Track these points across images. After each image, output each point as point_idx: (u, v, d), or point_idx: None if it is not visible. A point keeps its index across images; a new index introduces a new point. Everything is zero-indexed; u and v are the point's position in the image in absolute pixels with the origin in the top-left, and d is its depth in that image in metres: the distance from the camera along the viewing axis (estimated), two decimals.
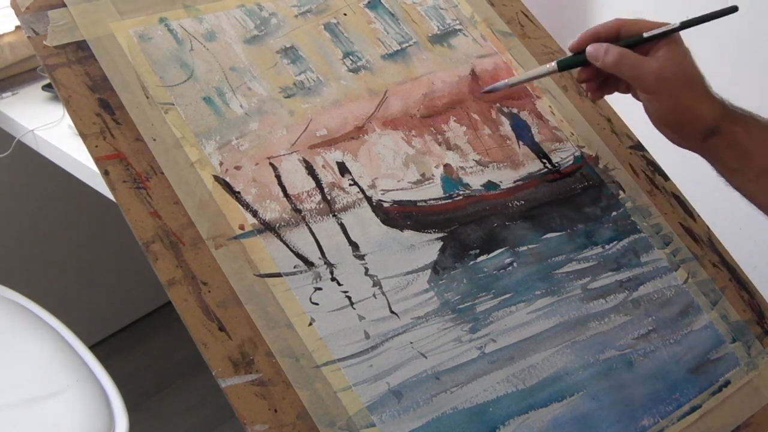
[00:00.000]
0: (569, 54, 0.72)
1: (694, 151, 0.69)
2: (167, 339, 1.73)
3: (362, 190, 0.67)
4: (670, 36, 0.66)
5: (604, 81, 0.73)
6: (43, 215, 1.54)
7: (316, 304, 0.60)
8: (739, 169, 0.68)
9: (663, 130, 0.70)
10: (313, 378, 0.56)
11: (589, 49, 0.68)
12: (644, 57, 0.66)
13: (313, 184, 0.66)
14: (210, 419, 1.58)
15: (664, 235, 0.77)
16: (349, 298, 0.61)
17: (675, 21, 0.66)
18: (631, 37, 0.67)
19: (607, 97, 0.87)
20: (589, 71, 0.71)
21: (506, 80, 0.77)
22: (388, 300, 0.62)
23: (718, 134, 0.67)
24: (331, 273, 0.62)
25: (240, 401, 0.54)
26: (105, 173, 0.60)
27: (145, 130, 0.63)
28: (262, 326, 0.57)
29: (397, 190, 0.68)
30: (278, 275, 0.60)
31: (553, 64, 0.72)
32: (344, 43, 0.76)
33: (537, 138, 0.79)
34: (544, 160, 0.77)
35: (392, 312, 0.62)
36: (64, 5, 0.67)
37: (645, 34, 0.66)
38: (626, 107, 0.80)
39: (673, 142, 0.70)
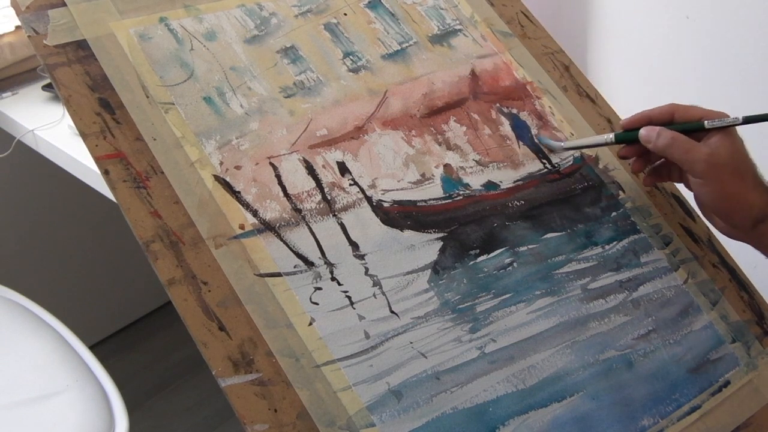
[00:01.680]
0: (620, 129, 0.73)
1: (743, 241, 0.70)
2: (167, 339, 1.73)
3: (362, 190, 0.67)
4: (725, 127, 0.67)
5: (658, 168, 0.74)
6: (43, 215, 1.54)
7: (316, 303, 0.60)
8: None
9: (712, 219, 0.71)
10: (313, 378, 0.56)
11: (642, 131, 0.69)
12: (694, 142, 0.67)
13: (313, 184, 0.66)
14: (210, 419, 1.58)
15: (664, 236, 0.77)
16: (349, 297, 0.61)
17: (737, 116, 0.67)
18: (690, 123, 0.68)
19: (607, 98, 0.88)
20: (635, 150, 0.73)
21: (562, 143, 0.78)
22: (388, 300, 0.62)
23: (765, 222, 0.67)
24: (331, 273, 0.62)
25: (240, 401, 0.54)
26: (105, 173, 0.60)
27: (145, 130, 0.63)
28: (262, 326, 0.57)
29: (397, 190, 0.68)
30: (278, 275, 0.60)
31: (611, 136, 0.73)
32: (344, 43, 0.76)
33: (537, 138, 0.79)
34: (544, 161, 0.77)
35: (392, 312, 0.62)
36: (65, 5, 0.67)
37: (707, 124, 0.67)
38: (626, 107, 0.80)
39: (722, 231, 0.71)
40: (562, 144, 0.78)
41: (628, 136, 0.72)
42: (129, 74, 0.65)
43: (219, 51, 0.70)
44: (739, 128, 0.68)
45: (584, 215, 0.75)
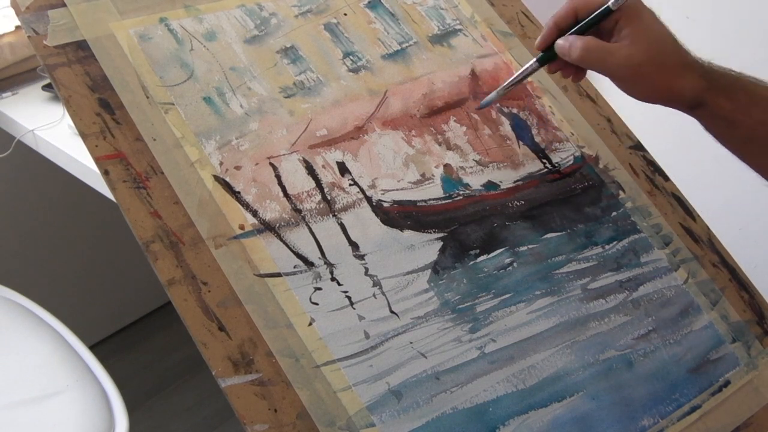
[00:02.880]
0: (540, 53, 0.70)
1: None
2: (167, 339, 1.73)
3: (362, 190, 0.67)
4: (632, 6, 0.63)
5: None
6: (43, 215, 1.54)
7: (316, 304, 0.60)
8: (726, 135, 0.67)
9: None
10: (313, 378, 0.56)
11: (557, 45, 0.66)
12: (610, 46, 0.64)
13: (313, 184, 0.66)
14: (210, 419, 1.58)
15: (664, 235, 0.77)
16: (349, 298, 0.61)
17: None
18: (587, 19, 0.65)
19: (607, 97, 0.88)
20: (560, 63, 0.69)
21: (494, 92, 0.75)
22: (388, 300, 0.62)
23: (701, 106, 0.65)
24: (331, 273, 0.62)
25: (240, 401, 0.54)
26: (105, 173, 0.60)
27: (145, 130, 0.63)
28: (262, 326, 0.57)
29: (397, 190, 0.68)
30: (278, 275, 0.60)
31: (534, 62, 0.70)
32: (344, 43, 0.76)
33: (537, 138, 0.79)
34: (544, 160, 0.77)
35: (392, 312, 0.62)
36: (64, 5, 0.67)
37: (612, 5, 0.63)
38: (626, 107, 0.80)
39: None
40: (495, 92, 0.74)
41: (548, 56, 0.69)
42: (129, 74, 0.65)
43: (219, 51, 0.70)
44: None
45: (584, 215, 0.75)
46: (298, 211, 0.64)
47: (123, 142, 0.61)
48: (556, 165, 0.78)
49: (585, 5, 0.66)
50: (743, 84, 0.66)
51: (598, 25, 0.65)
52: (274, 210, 0.63)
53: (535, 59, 0.70)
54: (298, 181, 0.65)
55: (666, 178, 0.83)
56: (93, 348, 1.03)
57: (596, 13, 0.65)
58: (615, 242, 0.74)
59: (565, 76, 0.71)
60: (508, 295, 0.66)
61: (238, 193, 0.62)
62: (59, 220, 1.57)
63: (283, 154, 0.66)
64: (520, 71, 0.73)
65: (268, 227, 0.62)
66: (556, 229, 0.73)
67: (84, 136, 0.61)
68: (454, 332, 0.63)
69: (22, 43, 1.16)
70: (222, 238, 0.60)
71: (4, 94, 1.14)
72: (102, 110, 0.62)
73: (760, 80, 0.67)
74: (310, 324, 0.59)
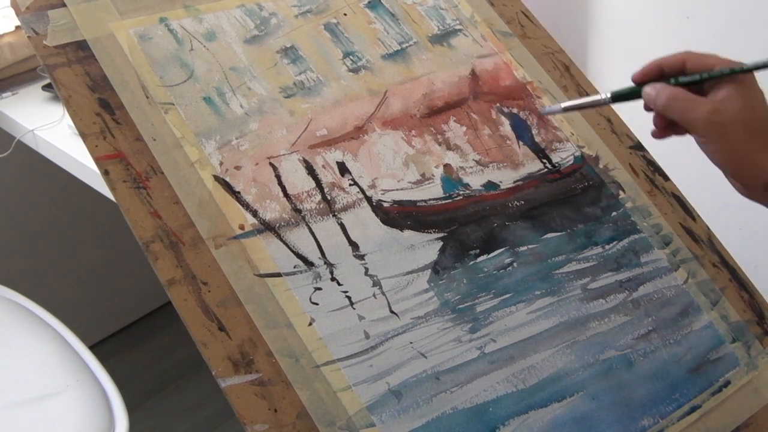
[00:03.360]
0: (631, 84, 0.65)
1: (754, 200, 0.62)
2: (167, 339, 1.73)
3: (362, 190, 0.67)
4: (740, 75, 0.59)
5: (672, 122, 0.63)
6: (43, 215, 1.54)
7: (316, 304, 0.60)
8: None
9: (726, 177, 0.62)
10: (313, 378, 0.56)
11: (646, 89, 0.62)
12: (697, 98, 0.59)
13: (313, 184, 0.66)
14: (210, 419, 1.58)
15: (664, 235, 0.77)
16: (349, 298, 0.61)
17: (748, 60, 0.59)
18: (692, 75, 0.60)
19: None
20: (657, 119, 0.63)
21: (560, 105, 0.68)
22: (388, 300, 0.62)
23: None
24: (331, 273, 0.62)
25: (240, 401, 0.54)
26: (105, 173, 0.60)
27: (145, 130, 0.63)
28: (262, 326, 0.57)
29: (397, 190, 0.68)
30: (278, 275, 0.60)
31: (607, 95, 0.65)
32: (344, 43, 0.76)
33: (537, 138, 0.79)
34: (544, 160, 0.77)
35: (392, 312, 0.62)
36: (64, 5, 0.67)
37: (702, 75, 0.59)
38: (626, 107, 0.80)
39: (734, 187, 0.62)
40: (561, 105, 0.68)
41: (626, 93, 0.64)
42: (129, 74, 0.65)
43: (219, 51, 0.70)
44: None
45: (584, 215, 0.75)
46: (298, 211, 0.64)
47: (123, 142, 0.61)
48: (556, 165, 0.78)
49: (697, 60, 0.61)
50: None
51: (700, 85, 0.61)
52: (274, 210, 0.63)
53: (609, 92, 0.65)
54: (298, 181, 0.65)
55: (666, 178, 0.83)
56: (93, 348, 1.03)
57: (714, 72, 0.60)
58: (615, 242, 0.74)
59: (655, 136, 0.65)
60: (508, 295, 0.66)
61: (238, 193, 0.62)
62: (59, 220, 1.57)
63: (283, 154, 0.66)
64: (591, 98, 0.66)
65: (268, 227, 0.62)
66: (556, 229, 0.73)
67: (84, 136, 0.61)
68: (454, 332, 0.63)
69: (22, 43, 1.16)
70: (222, 238, 0.60)
71: (4, 94, 1.14)
72: (102, 110, 0.62)
73: None
74: (310, 324, 0.59)
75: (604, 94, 0.65)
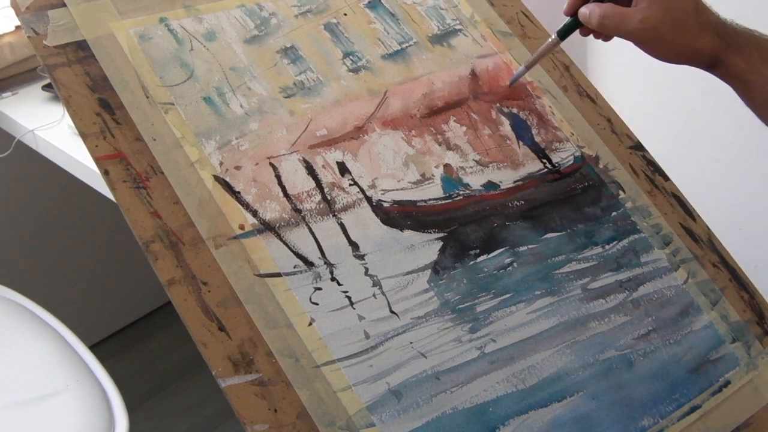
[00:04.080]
0: (567, 19, 0.71)
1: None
2: (167, 339, 1.73)
3: (362, 190, 0.67)
4: None
5: None
6: (43, 215, 1.54)
7: (316, 304, 0.60)
8: (742, 95, 0.68)
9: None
10: (313, 378, 0.56)
11: (582, 9, 0.68)
12: (626, 10, 0.65)
13: (313, 184, 0.66)
14: (210, 419, 1.58)
15: (664, 235, 0.77)
16: (349, 298, 0.61)
17: None
18: None
19: (607, 97, 0.88)
20: (587, 30, 0.71)
21: (520, 68, 0.78)
22: (388, 300, 0.62)
23: (719, 66, 0.66)
24: (331, 273, 0.62)
25: (240, 401, 0.54)
26: (105, 173, 0.60)
27: (145, 130, 0.63)
28: (262, 326, 0.57)
29: (397, 190, 0.68)
30: (278, 275, 0.60)
31: (554, 36, 0.72)
32: (344, 43, 0.76)
33: (537, 138, 0.79)
34: (544, 160, 0.77)
35: (392, 312, 0.62)
36: (64, 5, 0.67)
37: None
38: (627, 107, 0.80)
39: None
40: (522, 66, 0.78)
41: (569, 27, 0.71)
42: (129, 75, 0.65)
43: (219, 51, 0.70)
44: None
45: (584, 215, 0.75)
46: (298, 211, 0.64)
47: (123, 142, 0.61)
48: (556, 165, 0.78)
49: None
50: (760, 44, 0.67)
51: None
52: (274, 210, 0.63)
53: (555, 33, 0.72)
54: (298, 181, 0.65)
55: (666, 178, 0.83)
56: (93, 348, 1.03)
57: None
58: (615, 242, 0.74)
59: (596, 38, 0.72)
60: (508, 295, 0.66)
61: (238, 193, 0.62)
62: (59, 220, 1.57)
63: (283, 154, 0.66)
64: (542, 47, 0.75)
65: (268, 227, 0.62)
66: (556, 229, 0.73)
67: (84, 136, 0.61)
68: (454, 332, 0.63)
69: (22, 43, 1.16)
70: (222, 238, 0.60)
71: (4, 94, 1.14)
72: (102, 110, 0.62)
73: None
74: (310, 324, 0.59)
75: (552, 36, 0.73)
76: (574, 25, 0.71)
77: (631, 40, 0.67)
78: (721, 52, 0.66)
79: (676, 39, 0.65)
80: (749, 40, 0.67)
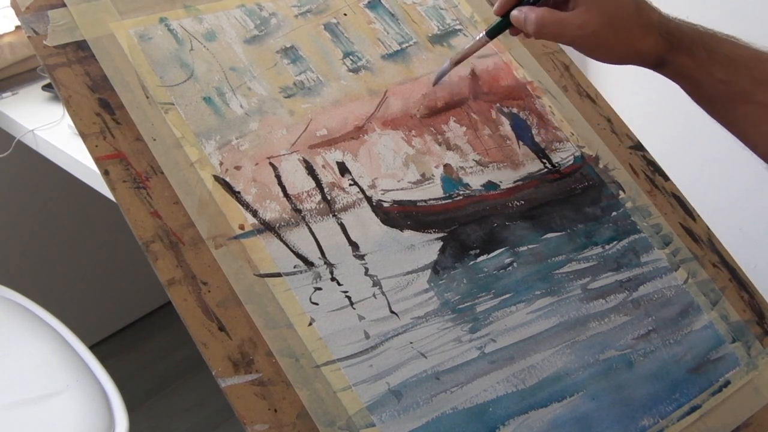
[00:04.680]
0: (498, 19, 0.68)
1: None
2: (167, 339, 1.73)
3: (362, 190, 0.67)
4: None
5: None
6: (43, 215, 1.54)
7: (316, 304, 0.60)
8: (692, 94, 0.67)
9: None
10: (313, 378, 0.56)
11: (514, 12, 0.65)
12: (563, 15, 0.62)
13: (313, 184, 0.66)
14: (210, 419, 1.58)
15: (664, 235, 0.77)
16: (349, 298, 0.61)
17: None
18: None
19: (607, 97, 0.88)
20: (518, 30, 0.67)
21: (444, 65, 0.73)
22: (388, 300, 0.62)
23: (666, 66, 0.65)
24: (331, 273, 0.62)
25: (240, 401, 0.54)
26: (105, 173, 0.60)
27: (145, 130, 0.63)
28: (262, 326, 0.57)
29: (397, 190, 0.68)
30: (278, 275, 0.60)
31: (482, 34, 0.69)
32: (344, 43, 0.76)
33: (537, 138, 0.79)
34: (544, 160, 0.77)
35: (392, 312, 0.62)
36: (64, 5, 0.67)
37: None
38: (627, 108, 0.80)
39: None
40: (447, 60, 0.73)
41: (499, 27, 0.67)
42: (129, 74, 0.65)
43: (219, 51, 0.70)
44: None
45: (584, 215, 0.75)
46: (298, 211, 0.64)
47: (123, 142, 0.61)
48: (556, 165, 0.78)
49: None
50: (706, 42, 0.65)
51: None
52: (274, 210, 0.63)
53: (484, 31, 0.69)
54: (298, 181, 0.65)
55: (666, 178, 0.83)
56: (93, 348, 1.03)
57: None
58: (615, 242, 0.74)
59: (526, 36, 0.69)
60: (508, 295, 0.66)
61: (238, 193, 0.63)
62: (59, 220, 1.57)
63: (283, 154, 0.66)
64: (469, 43, 0.72)
65: (268, 227, 0.62)
66: (556, 229, 0.73)
67: (84, 136, 0.61)
68: (454, 332, 0.63)
69: (22, 43, 1.16)
70: (222, 238, 0.60)
71: (4, 94, 1.14)
72: (102, 110, 0.62)
73: (731, 37, 0.65)
74: (310, 324, 0.59)
75: (480, 34, 0.69)
76: (504, 25, 0.67)
77: (572, 46, 0.64)
78: (666, 52, 0.64)
79: (617, 43, 0.63)
80: (694, 37, 0.65)
